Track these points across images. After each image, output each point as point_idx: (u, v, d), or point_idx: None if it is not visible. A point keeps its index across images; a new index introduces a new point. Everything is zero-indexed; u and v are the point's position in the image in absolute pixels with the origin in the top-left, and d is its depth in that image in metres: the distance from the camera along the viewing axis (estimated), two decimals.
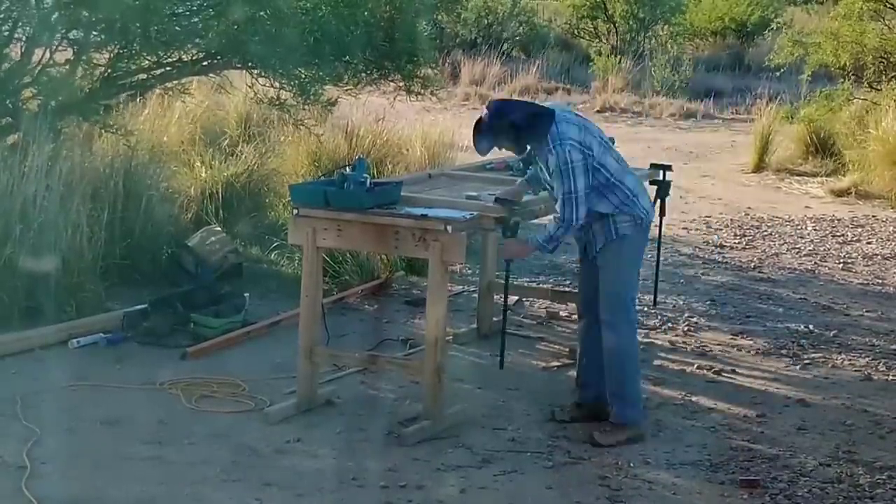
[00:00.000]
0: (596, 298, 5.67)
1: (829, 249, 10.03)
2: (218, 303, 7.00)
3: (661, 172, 7.05)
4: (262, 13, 7.48)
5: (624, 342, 5.63)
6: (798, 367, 6.90)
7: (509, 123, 5.54)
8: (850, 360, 7.06)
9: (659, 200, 7.03)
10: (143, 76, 8.01)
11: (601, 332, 5.65)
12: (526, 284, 8.10)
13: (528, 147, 5.64)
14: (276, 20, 7.44)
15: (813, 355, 7.11)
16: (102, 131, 8.18)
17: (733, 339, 7.34)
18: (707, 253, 9.67)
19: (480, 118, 5.67)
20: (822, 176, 13.40)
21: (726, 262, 9.37)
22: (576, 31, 25.53)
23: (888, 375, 6.81)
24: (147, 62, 7.88)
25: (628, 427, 5.62)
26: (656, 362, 6.83)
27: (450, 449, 5.38)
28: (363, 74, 8.33)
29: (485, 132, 5.62)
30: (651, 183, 7.07)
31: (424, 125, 10.92)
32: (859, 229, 10.92)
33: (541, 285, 8.21)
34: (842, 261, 9.61)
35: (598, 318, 5.66)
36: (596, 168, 5.48)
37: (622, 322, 5.61)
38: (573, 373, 6.59)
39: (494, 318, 7.14)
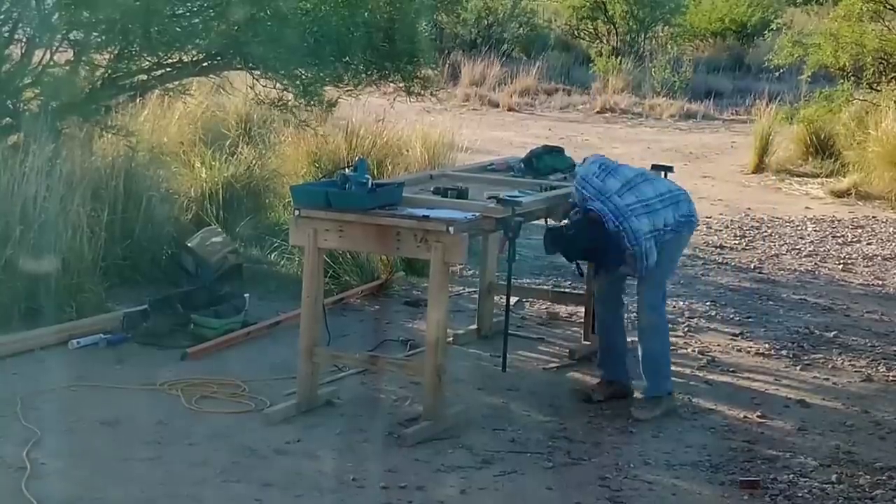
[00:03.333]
0: (618, 291, 6.24)
1: (829, 250, 10.03)
2: (218, 303, 7.00)
3: (663, 174, 7.06)
4: (262, 14, 7.48)
5: (663, 321, 6.13)
6: (798, 368, 6.91)
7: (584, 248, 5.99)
8: (850, 360, 7.07)
9: None
10: (143, 77, 8.01)
11: (620, 316, 6.25)
12: (526, 285, 8.10)
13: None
14: (276, 21, 7.44)
15: (813, 356, 7.12)
16: (103, 132, 8.17)
17: (733, 340, 7.34)
18: (707, 254, 9.67)
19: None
20: (821, 177, 13.39)
21: (726, 263, 9.37)
22: (576, 32, 25.53)
23: (888, 376, 6.82)
24: (147, 63, 7.88)
25: (664, 399, 6.02)
26: None
27: (450, 450, 5.38)
28: (363, 75, 8.32)
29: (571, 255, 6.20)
30: None
31: (424, 126, 10.92)
32: (859, 230, 10.93)
33: (541, 286, 8.22)
34: (842, 262, 9.61)
35: (617, 306, 6.23)
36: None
37: (662, 303, 6.13)
38: (573, 373, 6.61)
39: (495, 319, 7.14)
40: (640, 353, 6.06)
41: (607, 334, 6.26)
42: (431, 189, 6.16)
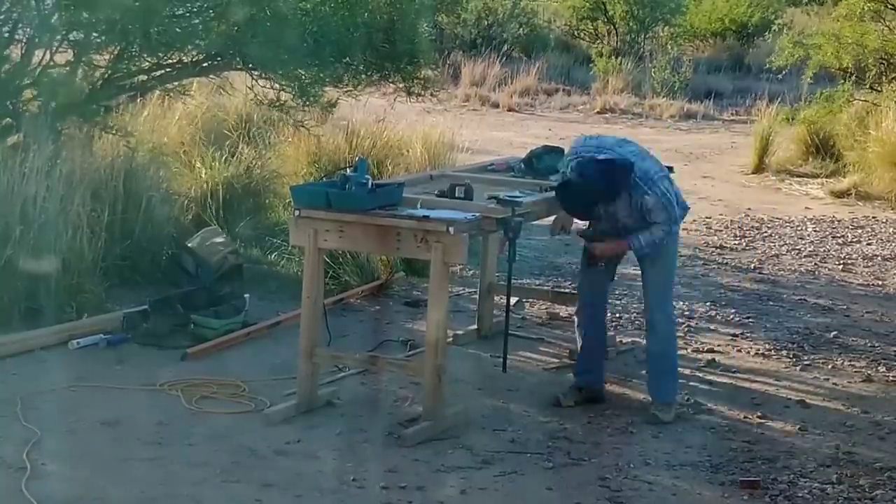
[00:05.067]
0: (605, 290, 6.22)
1: (829, 250, 10.03)
2: (218, 304, 7.00)
3: None
4: (262, 14, 7.48)
5: (674, 328, 6.22)
6: (798, 368, 6.91)
7: (594, 192, 5.81)
8: (850, 361, 7.07)
9: None
10: (143, 77, 8.02)
11: (602, 319, 6.25)
12: (526, 285, 8.10)
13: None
14: (276, 21, 7.44)
15: (813, 356, 7.12)
16: (103, 132, 8.18)
17: (733, 341, 7.34)
18: (707, 254, 9.67)
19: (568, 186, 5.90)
20: (822, 177, 13.39)
21: (726, 264, 9.37)
22: (576, 33, 25.55)
23: (888, 377, 6.81)
24: (147, 63, 7.89)
25: (675, 403, 6.02)
26: None
27: (450, 450, 5.38)
28: (363, 76, 8.33)
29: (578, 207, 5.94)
30: None
31: (425, 126, 10.92)
32: (859, 230, 10.92)
33: (541, 286, 8.22)
34: (842, 262, 9.61)
35: (601, 308, 6.21)
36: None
37: (671, 309, 6.22)
38: (573, 373, 6.61)
39: (495, 319, 7.14)
40: (649, 355, 6.10)
41: (588, 338, 6.15)
42: (436, 192, 6.09)
